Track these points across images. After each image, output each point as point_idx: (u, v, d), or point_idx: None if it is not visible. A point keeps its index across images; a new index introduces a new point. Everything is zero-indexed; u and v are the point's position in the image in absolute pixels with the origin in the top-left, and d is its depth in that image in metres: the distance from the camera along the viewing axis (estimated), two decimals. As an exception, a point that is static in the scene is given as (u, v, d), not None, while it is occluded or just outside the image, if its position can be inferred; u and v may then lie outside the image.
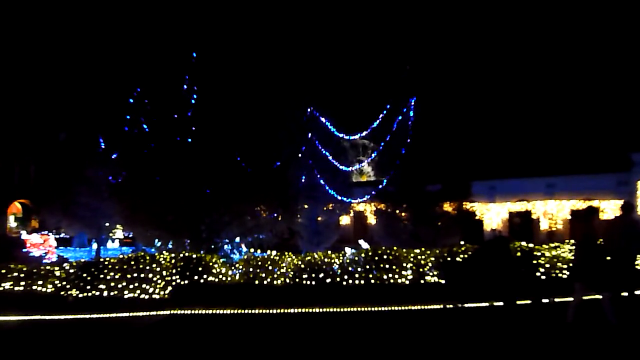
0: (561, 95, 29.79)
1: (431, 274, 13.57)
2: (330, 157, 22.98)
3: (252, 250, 17.78)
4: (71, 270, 13.99)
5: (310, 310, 11.87)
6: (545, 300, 11.83)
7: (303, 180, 22.44)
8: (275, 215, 21.28)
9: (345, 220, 31.07)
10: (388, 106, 25.01)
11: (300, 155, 22.63)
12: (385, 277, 13.16)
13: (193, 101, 19.65)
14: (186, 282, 13.18)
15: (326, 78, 30.89)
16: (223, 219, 18.87)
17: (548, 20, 36.00)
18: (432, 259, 13.92)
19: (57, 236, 29.99)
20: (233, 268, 14.11)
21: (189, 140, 19.21)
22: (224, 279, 13.53)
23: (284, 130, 22.56)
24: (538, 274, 13.21)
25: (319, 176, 22.33)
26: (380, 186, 23.55)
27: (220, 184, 18.92)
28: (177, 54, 20.13)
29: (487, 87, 31.90)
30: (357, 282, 13.09)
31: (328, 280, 13.11)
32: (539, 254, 13.87)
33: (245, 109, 21.99)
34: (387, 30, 46.68)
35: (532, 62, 32.40)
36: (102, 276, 13.24)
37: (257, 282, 13.27)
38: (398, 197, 20.81)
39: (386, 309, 11.83)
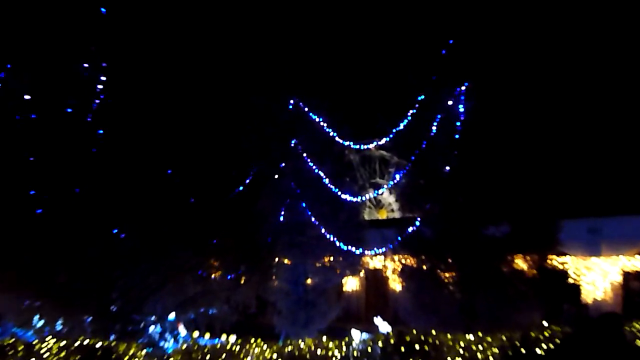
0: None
1: (494, 375, 13.32)
2: (326, 180, 22.93)
3: (196, 334, 18.20)
4: None
5: None
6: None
7: (282, 218, 22.61)
8: (236, 275, 21.54)
9: (352, 283, 31.38)
10: (422, 97, 24.99)
11: (277, 175, 22.84)
12: (417, 380, 12.86)
13: (100, 86, 19.77)
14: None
15: (321, 54, 31.24)
16: (148, 281, 19.03)
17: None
18: (495, 350, 13.52)
19: None
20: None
21: (94, 150, 19.40)
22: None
23: (252, 135, 22.67)
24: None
25: (308, 211, 22.37)
26: (411, 228, 23.38)
27: (144, 223, 19.07)
28: (77, 10, 20.19)
29: (586, 71, 32.28)
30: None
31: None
32: (675, 342, 13.57)
33: (188, 100, 22.34)
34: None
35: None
36: None
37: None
38: (439, 245, 20.82)
39: None
